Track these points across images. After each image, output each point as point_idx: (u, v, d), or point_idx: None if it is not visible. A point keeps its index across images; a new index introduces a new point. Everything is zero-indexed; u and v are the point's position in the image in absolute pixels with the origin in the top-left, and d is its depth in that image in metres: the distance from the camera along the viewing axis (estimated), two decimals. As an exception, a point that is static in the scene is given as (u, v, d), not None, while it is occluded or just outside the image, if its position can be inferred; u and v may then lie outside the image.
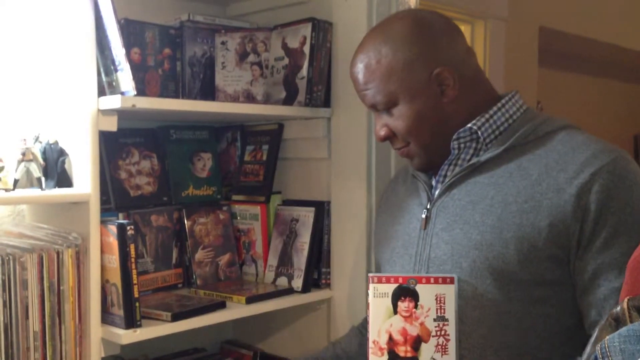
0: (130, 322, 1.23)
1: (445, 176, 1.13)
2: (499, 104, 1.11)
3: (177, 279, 1.55)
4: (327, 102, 1.57)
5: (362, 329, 1.38)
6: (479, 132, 1.09)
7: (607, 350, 0.64)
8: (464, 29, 2.74)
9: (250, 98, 1.62)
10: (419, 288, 1.02)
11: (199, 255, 1.57)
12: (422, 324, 1.02)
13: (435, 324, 1.01)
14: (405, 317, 1.03)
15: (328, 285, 1.57)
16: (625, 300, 0.70)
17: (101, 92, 1.26)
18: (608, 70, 4.35)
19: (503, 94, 1.15)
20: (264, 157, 1.66)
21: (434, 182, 1.15)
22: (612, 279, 0.97)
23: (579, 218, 0.97)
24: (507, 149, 1.07)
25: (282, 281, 1.57)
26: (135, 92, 1.23)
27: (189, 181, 1.62)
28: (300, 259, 1.55)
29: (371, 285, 1.05)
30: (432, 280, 1.02)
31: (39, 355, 1.16)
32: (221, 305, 1.38)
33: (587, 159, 1.00)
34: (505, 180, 1.05)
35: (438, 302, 1.01)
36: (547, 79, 3.56)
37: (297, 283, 1.54)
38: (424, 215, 1.13)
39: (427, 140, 1.11)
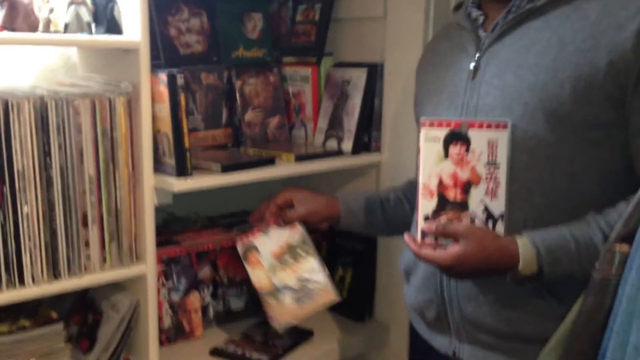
0: (182, 171, 1.24)
1: (496, 25, 1.07)
2: None
3: (227, 139, 1.55)
4: (384, -44, 1.47)
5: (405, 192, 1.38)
6: None
7: None
8: None
9: (303, -48, 1.53)
10: (471, 133, 1.00)
11: (249, 116, 1.56)
12: (472, 168, 1.00)
13: (486, 168, 0.99)
14: (456, 161, 1.01)
15: (378, 149, 1.55)
16: None
17: None
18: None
19: None
20: (317, 17, 1.59)
21: (482, 34, 1.10)
22: None
23: (639, 55, 0.93)
24: None
25: (332, 144, 1.56)
26: None
27: (239, 42, 1.57)
28: (351, 122, 1.52)
29: (422, 129, 1.03)
30: (485, 125, 0.99)
31: (94, 198, 1.19)
32: (270, 162, 1.38)
33: None
34: (562, 21, 1.00)
35: (490, 147, 0.98)
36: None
37: (347, 145, 1.52)
38: (472, 66, 1.08)
39: None
